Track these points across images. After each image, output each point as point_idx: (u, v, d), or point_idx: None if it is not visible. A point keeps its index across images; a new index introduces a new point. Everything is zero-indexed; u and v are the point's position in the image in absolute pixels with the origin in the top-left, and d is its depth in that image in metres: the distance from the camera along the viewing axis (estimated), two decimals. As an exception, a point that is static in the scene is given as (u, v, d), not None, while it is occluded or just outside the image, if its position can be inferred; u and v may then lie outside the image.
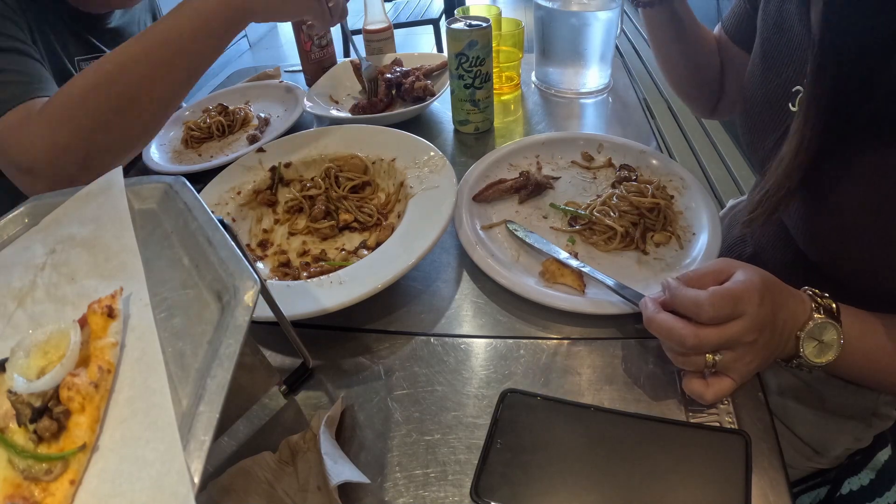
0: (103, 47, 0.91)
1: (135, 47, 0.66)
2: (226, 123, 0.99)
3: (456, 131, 0.94)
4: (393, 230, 0.66)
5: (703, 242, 0.64)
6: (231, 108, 1.02)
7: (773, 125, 0.59)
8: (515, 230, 0.68)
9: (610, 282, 0.58)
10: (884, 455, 0.68)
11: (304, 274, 0.64)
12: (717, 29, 0.81)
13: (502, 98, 1.05)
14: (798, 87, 0.56)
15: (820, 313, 0.47)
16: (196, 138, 0.98)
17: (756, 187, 0.55)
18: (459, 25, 0.83)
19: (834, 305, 0.48)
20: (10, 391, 0.31)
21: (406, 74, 1.00)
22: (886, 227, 0.49)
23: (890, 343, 0.49)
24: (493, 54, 0.88)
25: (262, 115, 1.02)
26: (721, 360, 0.45)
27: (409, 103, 0.98)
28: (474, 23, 0.83)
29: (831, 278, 0.58)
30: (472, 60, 0.84)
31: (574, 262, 0.62)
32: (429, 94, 0.97)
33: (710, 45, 0.80)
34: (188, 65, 0.69)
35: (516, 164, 0.80)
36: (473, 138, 0.93)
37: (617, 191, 0.70)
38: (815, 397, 0.69)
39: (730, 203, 0.94)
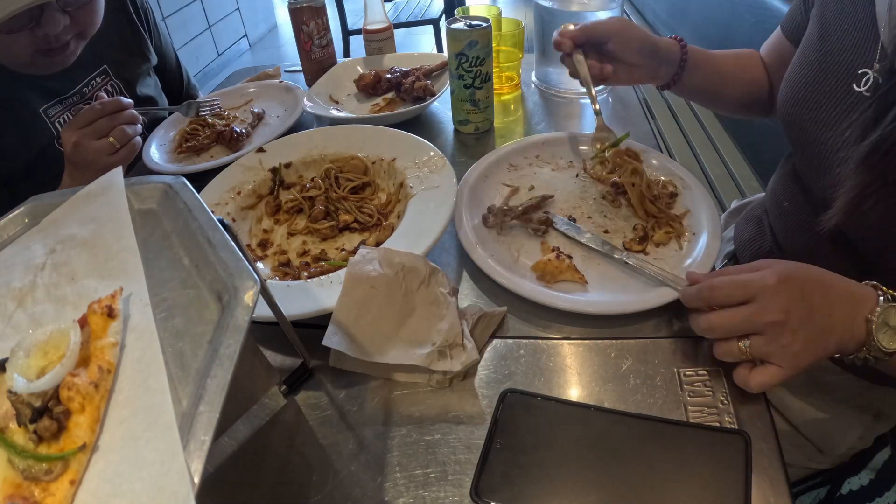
0: (60, 88, 0.89)
1: None
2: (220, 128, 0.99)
3: (456, 131, 0.94)
4: (393, 230, 0.66)
5: (702, 243, 0.64)
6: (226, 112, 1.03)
7: (833, 110, 0.59)
8: (555, 221, 0.70)
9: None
10: (883, 455, 0.68)
11: (304, 274, 0.64)
12: (771, 38, 0.80)
13: (502, 98, 1.05)
14: (865, 70, 0.55)
15: (889, 301, 0.47)
16: (191, 147, 0.98)
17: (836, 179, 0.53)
18: (459, 25, 0.83)
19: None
20: (10, 391, 0.31)
21: (406, 74, 1.00)
22: None
23: None
24: (493, 54, 0.88)
25: (256, 110, 1.02)
26: (752, 345, 0.46)
27: (409, 103, 0.98)
28: (474, 23, 0.83)
29: (860, 262, 0.57)
30: (472, 60, 0.84)
31: (617, 255, 0.64)
32: (429, 94, 0.97)
33: (752, 71, 0.80)
34: None
35: (516, 164, 0.80)
36: (473, 138, 0.93)
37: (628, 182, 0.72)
38: (820, 390, 0.69)
39: (734, 204, 0.93)
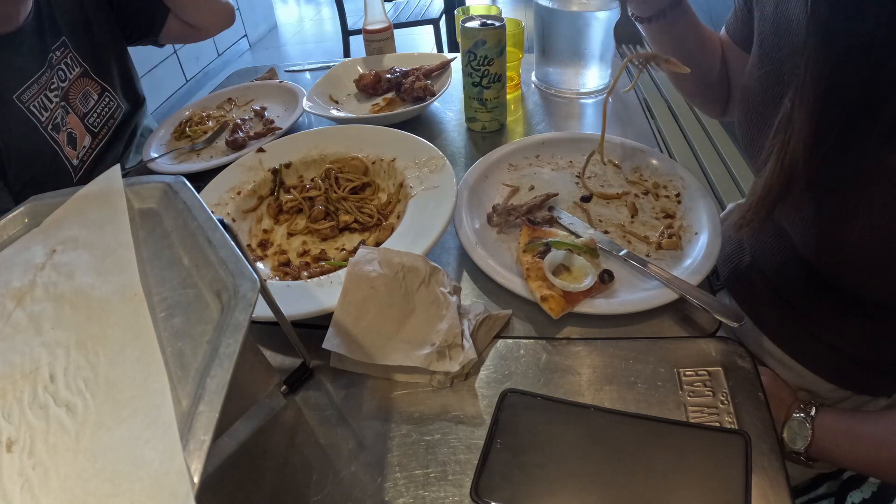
0: (30, 67, 0.86)
1: None
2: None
3: (468, 128, 0.94)
4: (393, 230, 0.66)
5: (702, 243, 0.64)
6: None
7: (769, 123, 0.58)
8: (559, 216, 0.70)
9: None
10: None
11: (304, 274, 0.64)
12: (721, 31, 0.81)
13: (502, 98, 1.05)
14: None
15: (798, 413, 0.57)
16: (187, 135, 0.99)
17: (751, 189, 0.54)
18: (472, 24, 0.83)
19: (814, 405, 0.57)
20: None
21: (406, 74, 1.00)
22: None
23: (864, 444, 0.55)
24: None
25: (257, 107, 1.03)
26: None
27: (409, 103, 0.98)
28: (488, 22, 0.83)
29: (832, 284, 0.58)
30: (479, 59, 0.84)
31: (616, 252, 0.63)
32: (429, 94, 0.97)
33: (715, 48, 0.79)
34: None
35: (516, 164, 0.80)
36: (480, 137, 0.93)
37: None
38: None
39: (729, 206, 0.93)
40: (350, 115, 0.96)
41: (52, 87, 0.89)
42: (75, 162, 0.93)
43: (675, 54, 0.76)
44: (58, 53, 0.91)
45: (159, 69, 3.03)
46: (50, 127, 0.88)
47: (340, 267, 0.62)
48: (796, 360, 0.68)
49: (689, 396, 0.50)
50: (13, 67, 0.85)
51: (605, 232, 0.69)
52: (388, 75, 1.02)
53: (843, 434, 0.56)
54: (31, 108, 0.86)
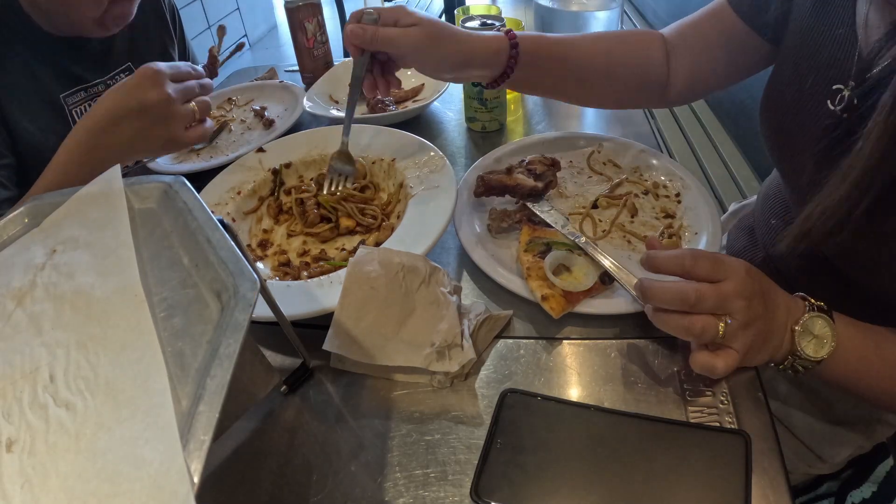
0: (85, 76, 0.88)
1: None
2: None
3: (468, 128, 0.95)
4: (393, 230, 0.66)
5: (703, 243, 0.64)
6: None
7: (808, 125, 0.55)
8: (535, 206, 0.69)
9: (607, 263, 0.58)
10: (885, 467, 0.68)
11: (304, 274, 0.64)
12: (702, 14, 0.71)
13: (502, 98, 1.05)
14: (839, 86, 0.51)
15: (813, 311, 0.49)
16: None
17: (808, 203, 0.48)
18: (472, 24, 0.83)
19: (825, 306, 0.49)
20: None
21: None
22: None
23: (879, 349, 0.50)
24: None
25: (257, 107, 1.03)
26: (728, 326, 0.46)
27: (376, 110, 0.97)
28: (488, 22, 0.83)
29: (854, 282, 0.56)
30: None
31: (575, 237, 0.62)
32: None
33: (636, 55, 0.73)
34: None
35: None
36: (480, 137, 0.93)
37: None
38: (821, 406, 0.69)
39: (732, 207, 0.93)
40: (350, 115, 0.96)
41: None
42: None
43: (544, 91, 0.78)
44: (122, 76, 0.93)
45: (159, 69, 3.02)
46: None
47: (340, 267, 0.62)
48: None
49: (689, 396, 0.50)
50: (68, 72, 0.86)
51: (604, 231, 0.69)
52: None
53: (871, 348, 0.50)
54: (73, 112, 0.87)
